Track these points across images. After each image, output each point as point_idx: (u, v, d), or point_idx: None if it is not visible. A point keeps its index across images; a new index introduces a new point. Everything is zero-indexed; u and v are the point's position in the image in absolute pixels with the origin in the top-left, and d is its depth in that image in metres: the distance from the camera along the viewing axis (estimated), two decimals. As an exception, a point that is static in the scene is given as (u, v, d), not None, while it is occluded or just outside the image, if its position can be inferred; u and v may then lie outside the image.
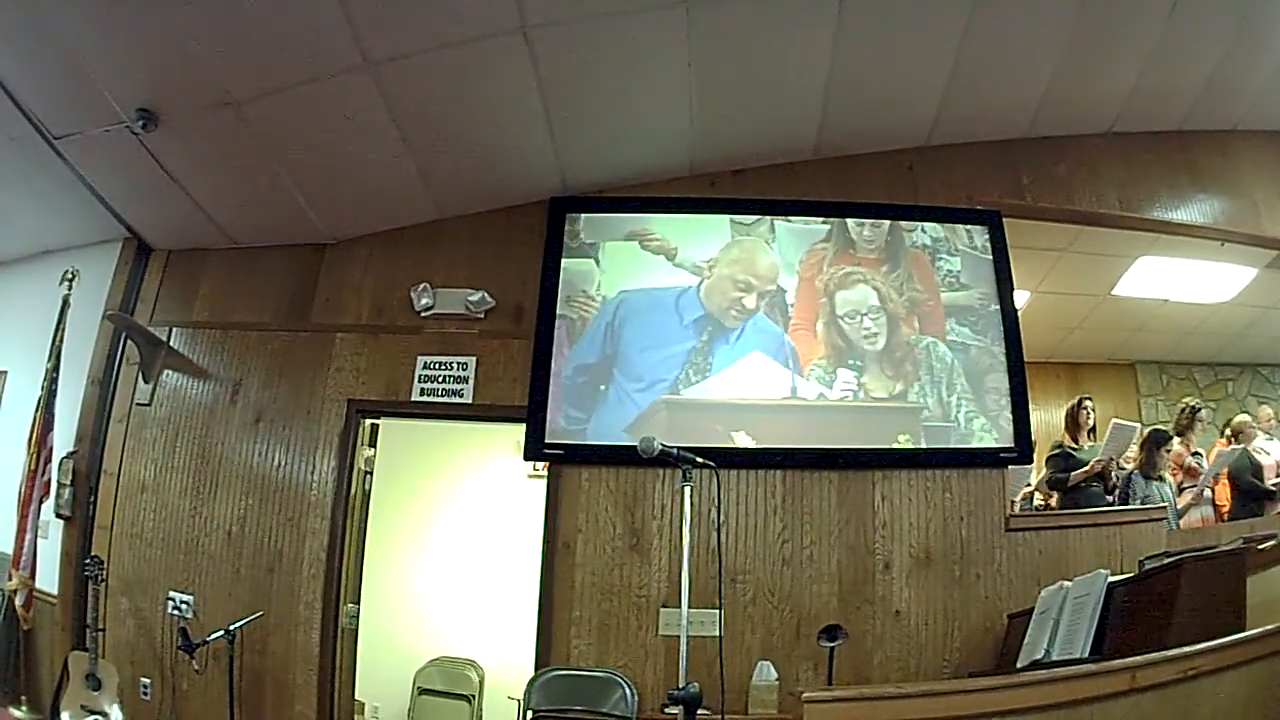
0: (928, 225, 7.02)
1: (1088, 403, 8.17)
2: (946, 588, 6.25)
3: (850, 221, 7.01)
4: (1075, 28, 6.25)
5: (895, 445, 6.48)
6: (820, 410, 6.57)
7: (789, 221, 7.01)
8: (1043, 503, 8.57)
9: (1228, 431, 8.89)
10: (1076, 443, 7.91)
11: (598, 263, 6.92)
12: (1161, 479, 7.69)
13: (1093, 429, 8.08)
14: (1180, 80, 7.00)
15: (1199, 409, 8.81)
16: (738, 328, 6.72)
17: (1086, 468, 7.61)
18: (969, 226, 7.06)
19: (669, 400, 6.54)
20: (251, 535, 6.54)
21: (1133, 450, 7.94)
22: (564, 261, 6.91)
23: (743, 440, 6.44)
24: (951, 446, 6.51)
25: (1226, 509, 8.03)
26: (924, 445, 6.50)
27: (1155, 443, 7.79)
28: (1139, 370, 11.44)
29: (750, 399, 6.55)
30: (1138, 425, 8.14)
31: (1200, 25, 6.39)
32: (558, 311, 6.77)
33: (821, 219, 7.01)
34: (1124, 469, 7.85)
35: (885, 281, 6.86)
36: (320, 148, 6.38)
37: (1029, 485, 8.93)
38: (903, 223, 7.02)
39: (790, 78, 6.41)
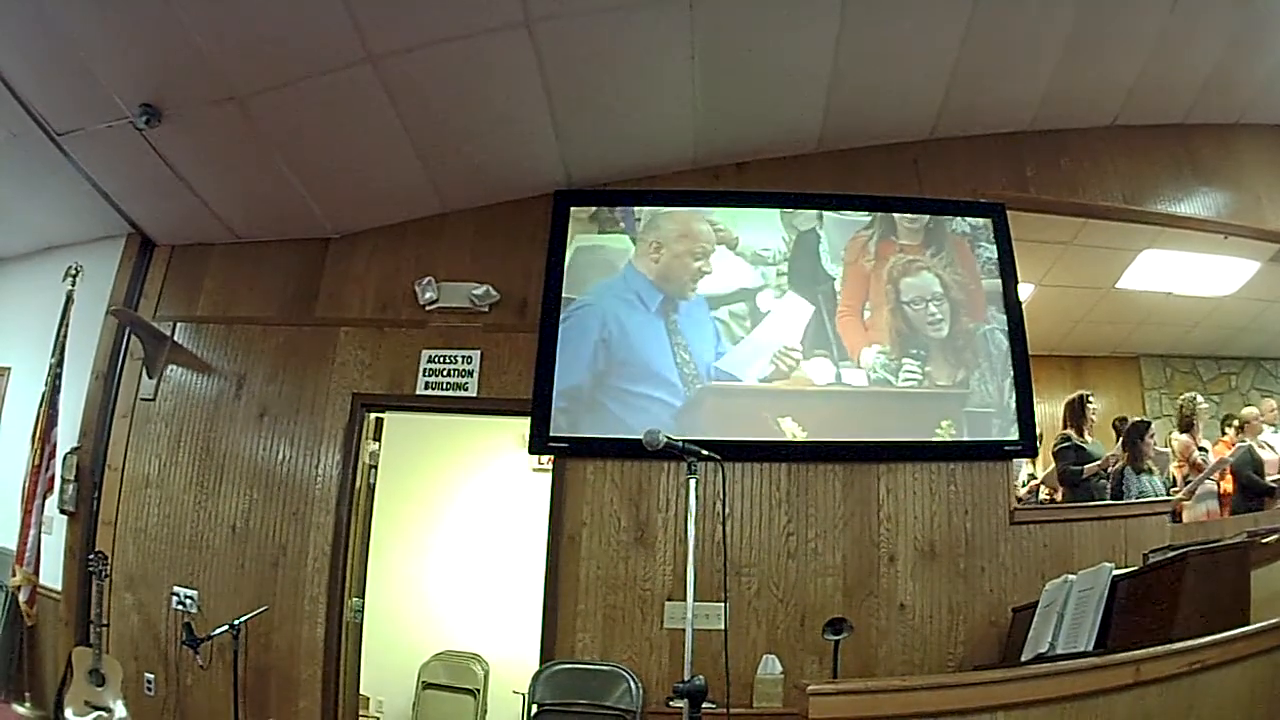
0: (968, 215, 7.05)
1: (1091, 399, 8.18)
2: (951, 581, 6.26)
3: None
4: (1078, 20, 6.24)
5: (937, 432, 6.48)
6: (865, 396, 6.59)
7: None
8: (1048, 496, 8.58)
9: (1230, 430, 8.90)
10: (1082, 436, 7.91)
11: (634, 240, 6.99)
12: (1150, 471, 7.68)
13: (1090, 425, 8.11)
14: (1183, 74, 7.00)
15: (1196, 398, 8.83)
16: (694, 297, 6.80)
17: (1100, 460, 7.62)
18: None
19: (715, 387, 6.54)
20: (256, 530, 6.55)
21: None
22: (602, 239, 6.97)
23: (789, 426, 6.45)
24: (982, 438, 6.52)
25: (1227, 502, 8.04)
26: (965, 432, 6.51)
27: (1137, 434, 7.77)
28: (1143, 364, 11.44)
29: (796, 385, 6.57)
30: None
31: (1203, 18, 6.38)
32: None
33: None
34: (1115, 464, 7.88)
35: (941, 268, 6.88)
36: (324, 142, 6.39)
37: (1033, 478, 8.96)
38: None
39: (793, 71, 6.40)
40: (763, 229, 6.96)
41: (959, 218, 7.03)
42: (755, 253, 6.90)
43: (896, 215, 7.00)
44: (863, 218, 7.00)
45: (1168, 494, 7.72)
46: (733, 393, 6.55)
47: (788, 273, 6.86)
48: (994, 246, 6.97)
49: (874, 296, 6.80)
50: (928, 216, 7.01)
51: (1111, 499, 7.53)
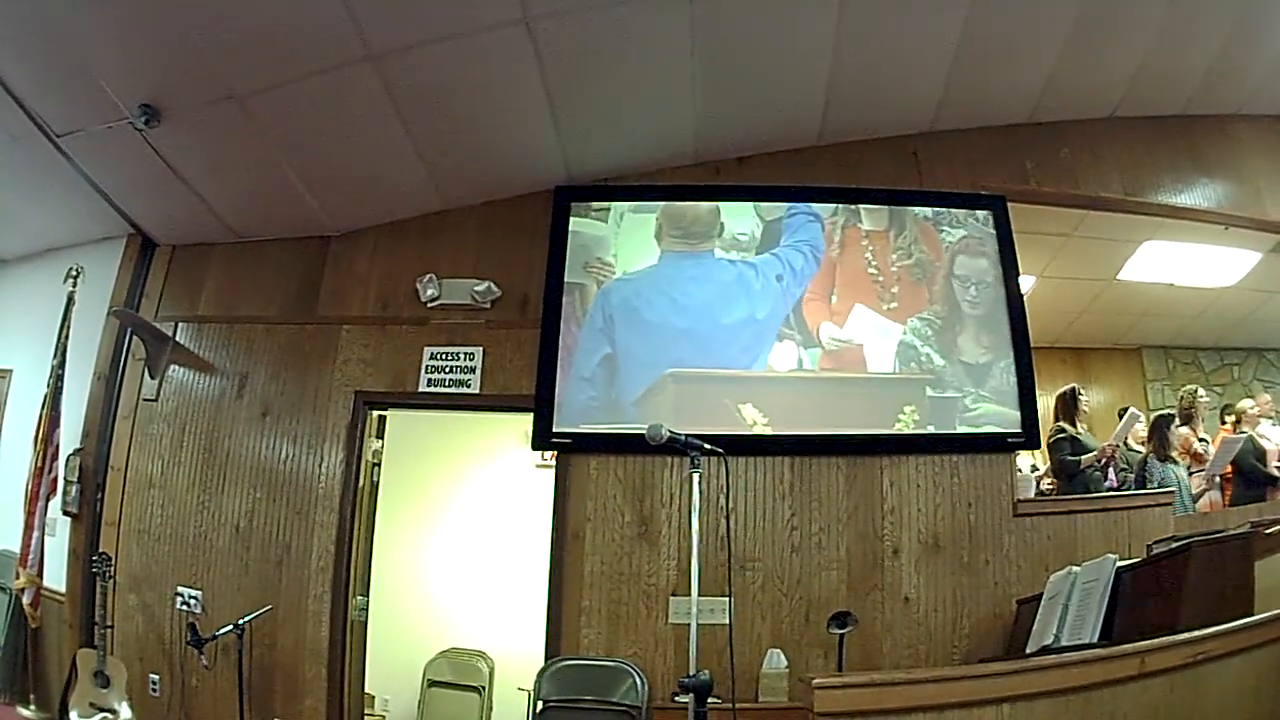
0: (969, 207, 7.08)
1: (1083, 391, 8.22)
2: (955, 574, 6.26)
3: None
4: (1078, 11, 6.24)
5: (900, 418, 6.50)
6: (826, 382, 6.64)
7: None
8: (1050, 487, 8.60)
9: (1229, 420, 8.92)
10: (1075, 427, 7.93)
11: (618, 225, 7.02)
12: (1175, 461, 7.72)
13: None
14: (1183, 64, 6.99)
15: (1197, 390, 8.85)
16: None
17: (1096, 452, 7.66)
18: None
19: (676, 374, 6.55)
20: (260, 529, 6.56)
21: (1142, 435, 7.98)
22: (576, 224, 6.98)
23: (750, 413, 6.47)
24: (956, 431, 6.55)
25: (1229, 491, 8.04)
26: (928, 418, 6.55)
27: (1165, 424, 7.84)
28: (1145, 355, 11.46)
29: (757, 371, 6.59)
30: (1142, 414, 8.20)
31: (1203, 8, 6.39)
32: (570, 279, 6.84)
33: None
34: (1137, 451, 7.89)
35: (893, 246, 6.93)
36: (324, 140, 6.39)
37: (1035, 469, 8.98)
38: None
39: (793, 64, 6.40)
40: (740, 215, 7.02)
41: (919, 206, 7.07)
42: (733, 236, 6.95)
43: (858, 202, 7.04)
44: (827, 207, 7.02)
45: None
46: (694, 379, 6.57)
47: (754, 263, 6.92)
48: (960, 231, 7.00)
49: (831, 283, 6.81)
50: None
51: (1136, 487, 7.58)
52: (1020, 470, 7.71)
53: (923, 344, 6.66)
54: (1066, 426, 7.94)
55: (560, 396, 6.57)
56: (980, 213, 7.05)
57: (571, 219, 6.97)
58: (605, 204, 7.03)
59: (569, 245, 6.91)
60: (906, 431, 6.50)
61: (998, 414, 6.59)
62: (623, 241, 6.95)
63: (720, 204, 7.01)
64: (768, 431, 6.47)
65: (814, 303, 6.77)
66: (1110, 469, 7.81)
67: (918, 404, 6.55)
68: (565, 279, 6.83)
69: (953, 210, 7.03)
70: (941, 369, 6.64)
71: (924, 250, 6.90)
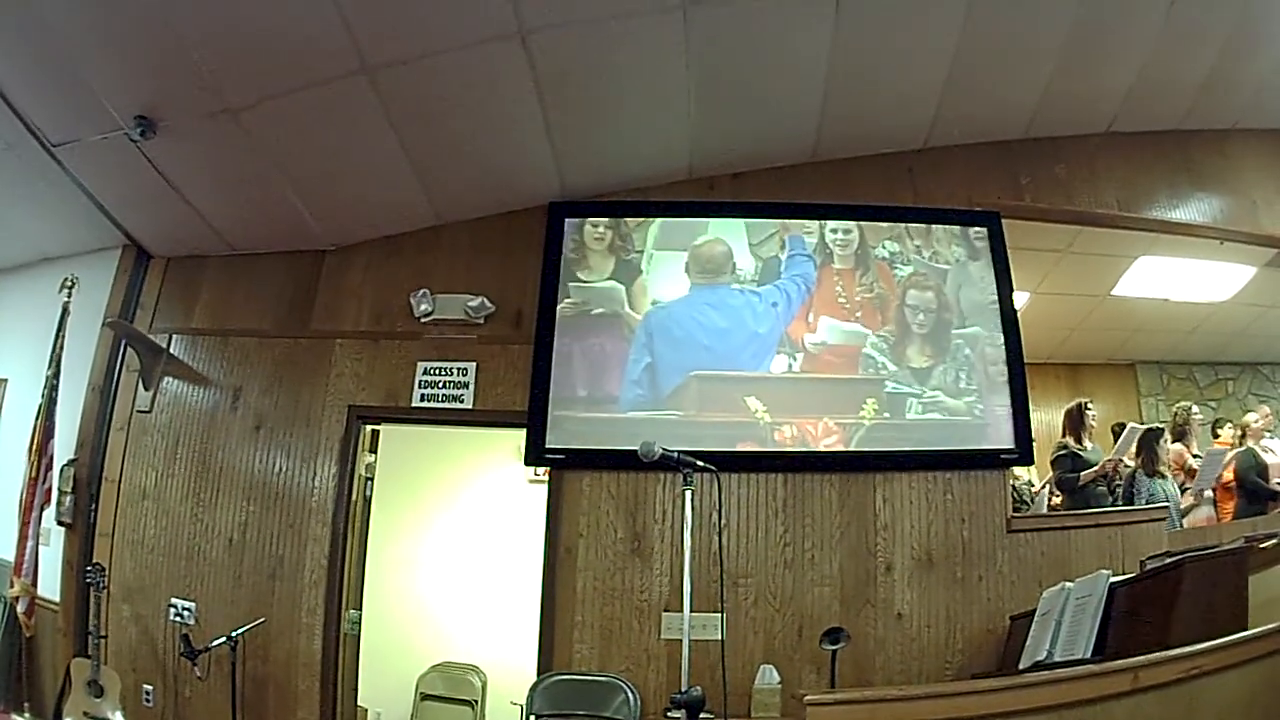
0: (887, 242, 7.15)
1: (1089, 406, 8.20)
2: (948, 590, 6.26)
3: (827, 234, 7.16)
4: (1073, 27, 6.25)
5: (863, 407, 6.69)
6: (807, 382, 6.87)
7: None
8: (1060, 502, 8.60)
9: (1231, 430, 8.91)
10: (1080, 443, 7.92)
11: (649, 263, 7.14)
12: (1164, 476, 7.69)
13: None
14: (1179, 79, 7.00)
15: (1191, 407, 8.85)
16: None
17: (1097, 467, 7.65)
18: (958, 228, 7.19)
19: (698, 375, 6.76)
20: (253, 542, 6.54)
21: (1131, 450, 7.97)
22: (600, 285, 7.07)
23: (753, 403, 6.66)
24: (931, 434, 6.66)
25: (1230, 509, 8.00)
26: (885, 408, 6.71)
27: (1153, 438, 7.81)
28: (1139, 370, 11.45)
29: (759, 373, 6.84)
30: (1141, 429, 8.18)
31: (1198, 23, 6.39)
32: (601, 310, 6.96)
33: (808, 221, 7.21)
34: (1130, 467, 7.88)
35: (857, 283, 7.13)
36: (319, 154, 6.39)
37: (1030, 485, 8.96)
38: (868, 237, 7.15)
39: (788, 80, 6.41)
40: (741, 254, 7.16)
41: (880, 246, 7.15)
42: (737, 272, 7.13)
43: (832, 247, 7.16)
44: (810, 240, 7.18)
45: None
46: (715, 379, 6.79)
47: (759, 292, 7.09)
48: (909, 268, 7.11)
49: (819, 306, 7.03)
50: (856, 242, 7.16)
51: (1123, 503, 7.56)
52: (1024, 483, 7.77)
53: (880, 355, 6.88)
54: (1070, 443, 7.94)
55: (616, 393, 6.73)
56: (927, 252, 7.14)
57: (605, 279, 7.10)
58: (639, 250, 7.13)
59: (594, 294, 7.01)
60: (869, 421, 6.66)
61: (941, 404, 6.77)
62: (654, 277, 7.07)
63: (730, 245, 7.13)
64: (767, 417, 6.63)
65: (797, 321, 6.98)
66: (1114, 480, 7.80)
67: (877, 398, 6.72)
68: (592, 310, 6.93)
69: (906, 248, 7.14)
70: (895, 372, 6.82)
71: (882, 286, 7.07)
